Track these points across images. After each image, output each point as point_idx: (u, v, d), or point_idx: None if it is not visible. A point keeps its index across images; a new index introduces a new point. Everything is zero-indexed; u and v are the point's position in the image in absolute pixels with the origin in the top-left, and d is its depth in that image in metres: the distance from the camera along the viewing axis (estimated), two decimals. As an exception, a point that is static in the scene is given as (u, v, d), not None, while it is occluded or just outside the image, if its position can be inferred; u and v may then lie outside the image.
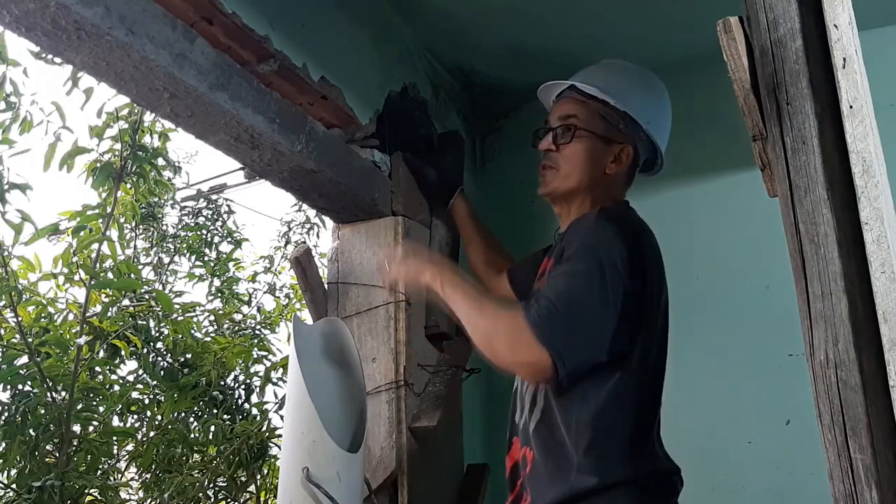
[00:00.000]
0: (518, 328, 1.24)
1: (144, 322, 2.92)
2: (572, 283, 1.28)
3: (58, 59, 2.04)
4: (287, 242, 4.20)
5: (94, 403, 2.74)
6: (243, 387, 3.17)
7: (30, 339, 2.55)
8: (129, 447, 3.07)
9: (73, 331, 2.72)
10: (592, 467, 1.27)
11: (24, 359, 2.56)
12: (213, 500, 2.98)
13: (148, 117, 2.74)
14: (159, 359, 2.99)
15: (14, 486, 2.50)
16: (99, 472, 2.71)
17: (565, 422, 1.31)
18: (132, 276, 2.86)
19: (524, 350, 1.23)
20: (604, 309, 1.26)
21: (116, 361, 2.90)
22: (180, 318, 3.04)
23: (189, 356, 3.02)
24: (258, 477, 3.05)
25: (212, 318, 3.54)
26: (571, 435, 1.30)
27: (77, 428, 2.71)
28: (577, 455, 1.28)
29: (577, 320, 1.25)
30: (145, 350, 2.90)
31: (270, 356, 3.34)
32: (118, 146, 2.69)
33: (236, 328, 3.57)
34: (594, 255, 1.29)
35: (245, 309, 3.95)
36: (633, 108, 1.49)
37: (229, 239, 4.18)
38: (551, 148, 1.50)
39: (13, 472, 2.55)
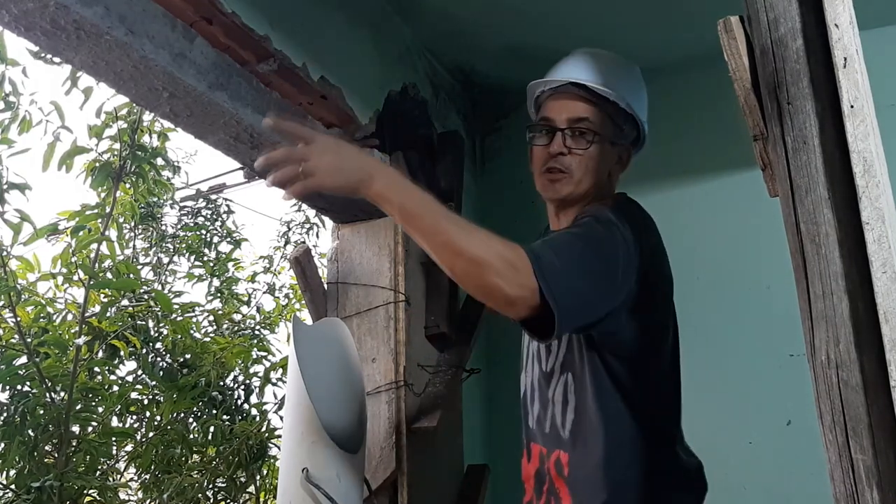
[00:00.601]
0: (517, 256, 1.12)
1: (143, 322, 2.92)
2: (586, 242, 1.22)
3: (57, 59, 2.04)
4: (287, 242, 4.20)
5: (93, 404, 2.74)
6: (243, 387, 3.17)
7: (29, 340, 2.55)
8: (128, 448, 3.06)
9: (72, 331, 2.72)
10: (619, 462, 1.29)
11: (23, 359, 2.56)
12: (212, 500, 2.97)
13: (147, 117, 2.74)
14: (158, 359, 2.98)
15: (13, 486, 2.49)
16: (98, 472, 2.70)
17: (598, 417, 1.31)
18: (131, 276, 2.86)
19: (517, 279, 1.11)
20: (611, 279, 1.21)
21: (115, 362, 2.90)
22: (179, 319, 3.04)
23: (188, 356, 3.02)
24: (258, 477, 3.05)
25: (211, 318, 3.54)
26: (602, 430, 1.30)
27: (76, 428, 2.71)
28: (608, 448, 1.30)
29: (581, 275, 1.17)
30: (144, 350, 2.90)
31: (270, 356, 3.35)
32: (117, 146, 2.69)
33: (236, 328, 3.56)
34: (611, 229, 1.25)
35: (244, 309, 3.94)
36: (639, 111, 1.46)
37: (229, 239, 4.18)
38: (563, 151, 1.40)
39: (12, 472, 2.55)
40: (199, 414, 3.05)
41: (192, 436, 2.96)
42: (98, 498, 2.72)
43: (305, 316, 2.47)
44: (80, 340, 2.57)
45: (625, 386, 1.31)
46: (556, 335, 1.15)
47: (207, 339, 3.21)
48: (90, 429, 2.77)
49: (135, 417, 3.10)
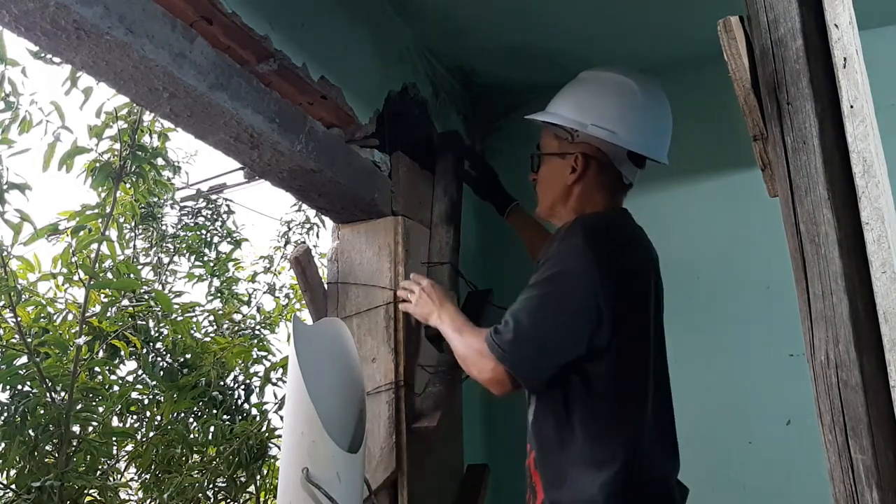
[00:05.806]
0: (480, 350, 1.46)
1: (144, 322, 2.92)
2: (530, 307, 1.43)
3: (57, 59, 2.04)
4: (287, 242, 4.20)
5: (94, 404, 2.73)
6: (243, 387, 3.17)
7: (29, 340, 2.55)
8: (129, 447, 3.06)
9: (73, 331, 2.72)
10: (574, 455, 1.36)
11: (24, 359, 2.56)
12: (212, 500, 2.97)
13: (147, 117, 2.74)
14: (159, 359, 2.98)
15: (13, 486, 2.49)
16: (98, 472, 2.70)
17: (551, 415, 1.42)
18: (131, 276, 2.86)
19: (486, 368, 1.44)
20: (558, 328, 1.40)
21: (116, 362, 2.89)
22: (180, 319, 3.04)
23: (188, 356, 3.02)
24: (258, 477, 3.05)
25: (211, 318, 3.54)
26: (556, 428, 1.40)
27: (76, 428, 2.71)
28: (566, 446, 1.38)
29: (531, 339, 1.40)
30: (145, 350, 2.90)
31: (270, 356, 3.34)
32: (117, 146, 2.69)
33: (236, 328, 3.56)
34: (554, 279, 1.43)
35: (245, 309, 3.94)
36: (567, 118, 1.58)
37: (229, 239, 4.18)
38: (534, 178, 1.68)
39: (13, 472, 2.55)
40: (199, 414, 3.05)
41: (192, 436, 2.96)
42: (98, 498, 2.72)
43: (305, 316, 2.47)
44: (81, 340, 2.57)
45: (577, 383, 1.40)
46: (531, 391, 1.47)
47: (208, 339, 3.21)
48: (90, 429, 2.77)
49: (135, 417, 3.10)
